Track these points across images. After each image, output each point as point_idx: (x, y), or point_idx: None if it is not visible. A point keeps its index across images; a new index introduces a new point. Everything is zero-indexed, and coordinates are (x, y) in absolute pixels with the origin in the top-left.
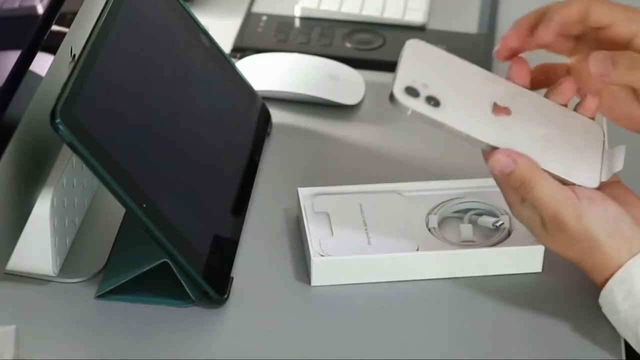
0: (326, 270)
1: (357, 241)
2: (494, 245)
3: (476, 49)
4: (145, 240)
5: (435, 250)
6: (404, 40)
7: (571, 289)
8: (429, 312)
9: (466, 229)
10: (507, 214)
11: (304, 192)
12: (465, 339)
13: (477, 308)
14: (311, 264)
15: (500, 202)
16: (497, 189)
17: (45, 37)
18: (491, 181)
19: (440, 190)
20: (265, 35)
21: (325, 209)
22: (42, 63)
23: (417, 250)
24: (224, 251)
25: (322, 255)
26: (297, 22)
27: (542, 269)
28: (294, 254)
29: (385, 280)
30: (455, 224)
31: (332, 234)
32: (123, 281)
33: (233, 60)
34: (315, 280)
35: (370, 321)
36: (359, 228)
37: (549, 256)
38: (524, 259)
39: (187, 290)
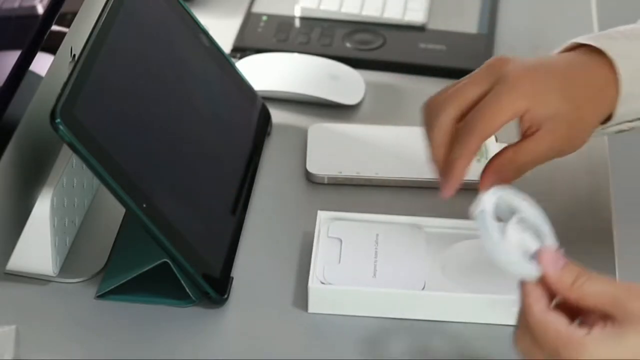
0: (323, 298)
1: (362, 272)
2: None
3: (476, 49)
4: (145, 240)
5: (438, 292)
6: (404, 40)
7: None
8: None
9: None
10: None
11: (322, 216)
12: None
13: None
14: (308, 291)
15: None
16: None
17: (45, 37)
18: None
19: (464, 230)
20: (265, 35)
21: (339, 235)
22: (42, 63)
23: (423, 289)
24: (224, 251)
25: (322, 283)
26: (297, 22)
27: None
28: (294, 253)
29: (383, 315)
30: None
31: (340, 262)
32: (123, 281)
33: (233, 60)
34: (312, 308)
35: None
36: (368, 258)
37: None
38: None
39: (187, 290)
